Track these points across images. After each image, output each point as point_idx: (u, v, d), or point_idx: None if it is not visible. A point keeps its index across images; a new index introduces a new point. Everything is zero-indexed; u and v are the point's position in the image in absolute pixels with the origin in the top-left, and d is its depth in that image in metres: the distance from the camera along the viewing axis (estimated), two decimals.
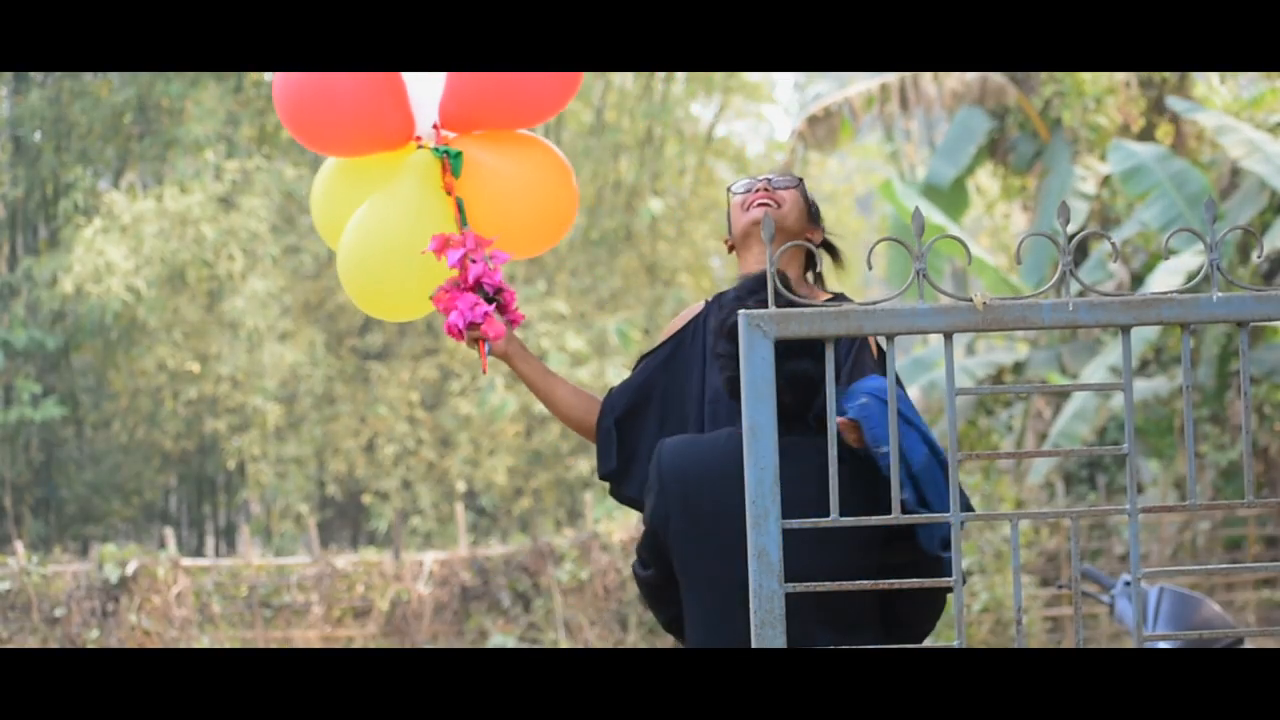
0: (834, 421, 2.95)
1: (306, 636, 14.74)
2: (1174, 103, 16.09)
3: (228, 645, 14.42)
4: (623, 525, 15.41)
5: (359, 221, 4.06)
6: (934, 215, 15.96)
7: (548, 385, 4.06)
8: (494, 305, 3.98)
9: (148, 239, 20.67)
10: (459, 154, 4.05)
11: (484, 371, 4.30)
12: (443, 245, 3.94)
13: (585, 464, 21.38)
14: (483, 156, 4.09)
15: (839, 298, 3.90)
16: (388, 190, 4.06)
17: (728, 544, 3.40)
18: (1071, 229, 15.90)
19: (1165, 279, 13.24)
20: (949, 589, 3.40)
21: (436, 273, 4.00)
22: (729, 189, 4.02)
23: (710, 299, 4.01)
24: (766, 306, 2.92)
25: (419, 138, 4.12)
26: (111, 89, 22.79)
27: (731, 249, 4.02)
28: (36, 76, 22.74)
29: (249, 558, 15.27)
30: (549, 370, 4.10)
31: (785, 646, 2.83)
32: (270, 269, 21.70)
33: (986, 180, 22.46)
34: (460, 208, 4.04)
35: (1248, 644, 7.35)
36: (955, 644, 2.85)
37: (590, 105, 24.48)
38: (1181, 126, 17.51)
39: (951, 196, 17.91)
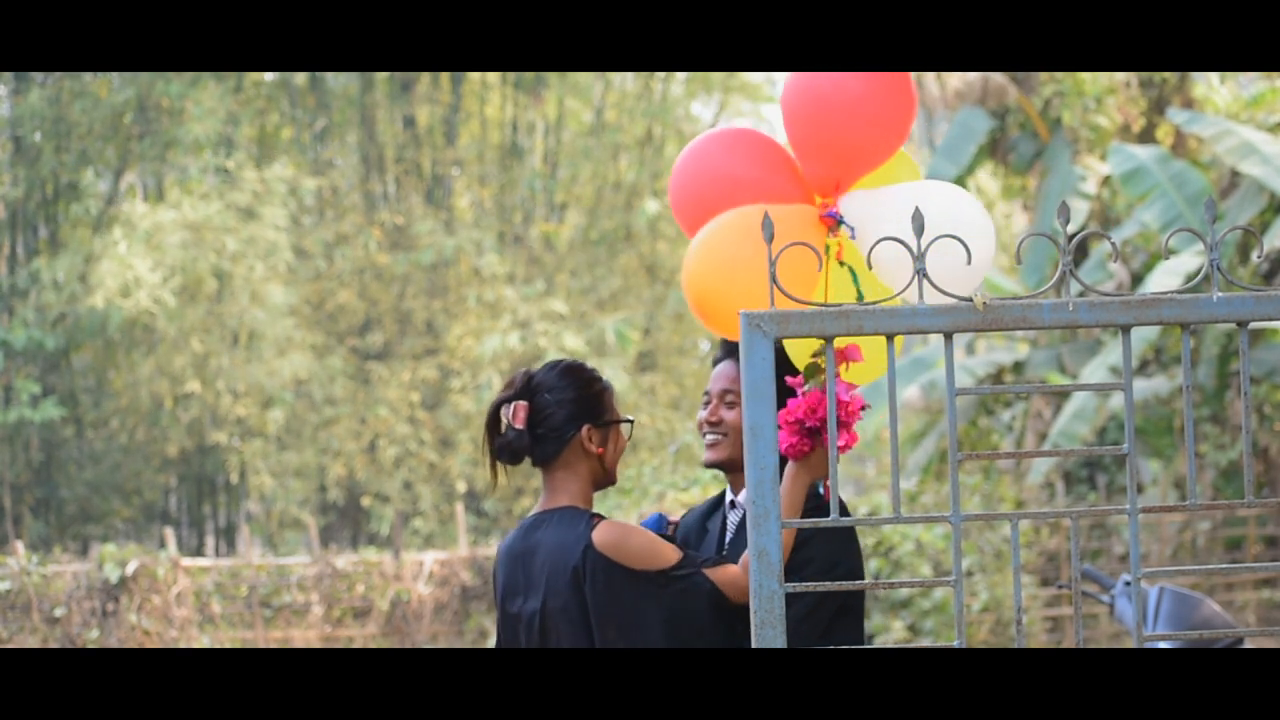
0: (834, 425, 2.95)
1: (306, 636, 14.73)
2: (1174, 114, 16.08)
3: (228, 645, 14.41)
4: None
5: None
6: None
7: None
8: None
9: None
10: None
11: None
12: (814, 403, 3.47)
13: None
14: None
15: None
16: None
17: None
18: (1071, 229, 15.90)
19: (1165, 279, 13.23)
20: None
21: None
22: (618, 418, 3.91)
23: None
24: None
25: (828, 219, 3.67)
26: (111, 89, 22.79)
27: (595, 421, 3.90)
28: (36, 76, 22.73)
29: (249, 557, 15.26)
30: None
31: (785, 646, 2.83)
32: (284, 274, 21.72)
33: (987, 180, 22.44)
34: (854, 275, 3.63)
35: (1248, 644, 7.35)
36: (955, 644, 2.85)
37: (590, 105, 24.48)
38: (1181, 127, 17.52)
39: None
